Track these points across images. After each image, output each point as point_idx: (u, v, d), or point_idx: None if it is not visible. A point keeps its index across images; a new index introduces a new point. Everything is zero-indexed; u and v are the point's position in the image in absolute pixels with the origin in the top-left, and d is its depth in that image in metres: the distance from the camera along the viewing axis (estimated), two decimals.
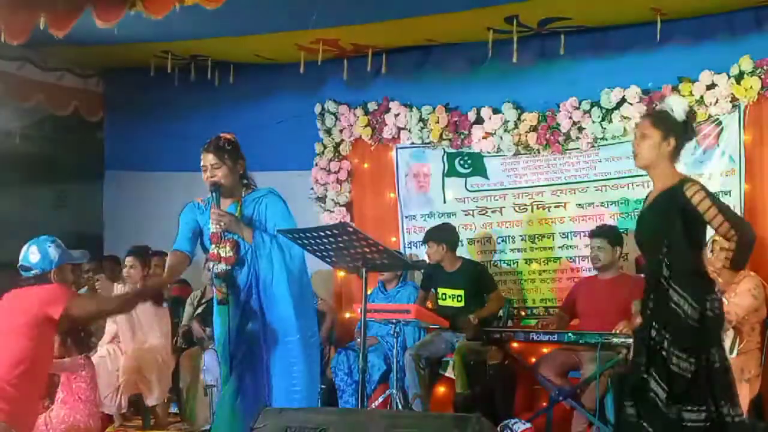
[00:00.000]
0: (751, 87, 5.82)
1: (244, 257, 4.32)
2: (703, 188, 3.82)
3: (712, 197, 3.82)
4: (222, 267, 4.31)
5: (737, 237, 3.76)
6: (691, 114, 3.99)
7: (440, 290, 6.30)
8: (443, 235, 6.36)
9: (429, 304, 6.29)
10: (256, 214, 4.39)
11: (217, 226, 4.28)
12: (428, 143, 7.06)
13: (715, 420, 3.66)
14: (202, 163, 4.38)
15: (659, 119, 3.92)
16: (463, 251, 6.63)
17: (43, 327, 3.91)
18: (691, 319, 3.69)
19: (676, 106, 3.91)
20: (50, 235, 4.28)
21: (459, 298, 6.20)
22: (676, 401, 3.66)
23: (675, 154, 3.91)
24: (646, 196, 4.08)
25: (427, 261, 6.44)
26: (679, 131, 3.89)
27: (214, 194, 4.33)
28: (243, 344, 4.36)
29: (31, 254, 4.16)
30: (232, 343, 4.32)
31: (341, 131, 7.38)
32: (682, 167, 6.03)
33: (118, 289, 6.45)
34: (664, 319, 3.73)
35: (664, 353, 3.69)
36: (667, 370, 3.68)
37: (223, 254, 4.30)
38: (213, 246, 4.33)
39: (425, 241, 6.41)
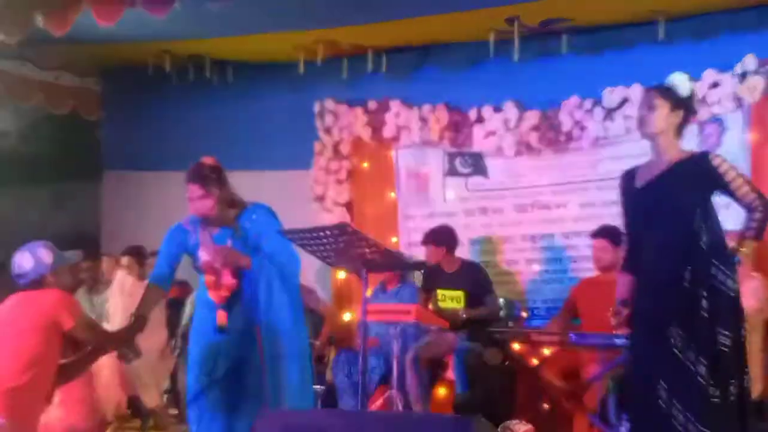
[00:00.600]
0: (755, 86, 5.78)
1: (242, 282, 4.18)
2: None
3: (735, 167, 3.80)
4: (219, 294, 4.17)
5: (762, 205, 3.71)
6: (693, 92, 3.99)
7: (439, 292, 6.25)
8: (443, 237, 6.33)
9: (430, 305, 6.25)
10: (249, 235, 4.21)
11: (215, 262, 4.12)
12: (428, 143, 7.02)
13: (738, 394, 3.64)
14: (187, 194, 4.17)
15: (667, 91, 3.88)
16: (464, 251, 6.60)
17: (53, 330, 3.91)
18: (732, 291, 3.65)
19: (680, 82, 3.90)
20: (41, 240, 4.22)
21: (458, 300, 6.17)
22: (718, 379, 3.59)
23: (680, 129, 3.86)
24: (631, 172, 3.98)
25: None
26: (686, 105, 3.87)
27: (204, 227, 4.19)
28: (232, 364, 4.21)
29: (24, 261, 4.11)
30: (218, 364, 4.19)
31: (341, 130, 7.34)
32: None
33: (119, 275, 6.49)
34: (707, 291, 3.64)
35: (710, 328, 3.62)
36: (712, 346, 3.60)
37: (224, 282, 4.15)
38: (207, 275, 4.18)
39: (424, 243, 6.37)
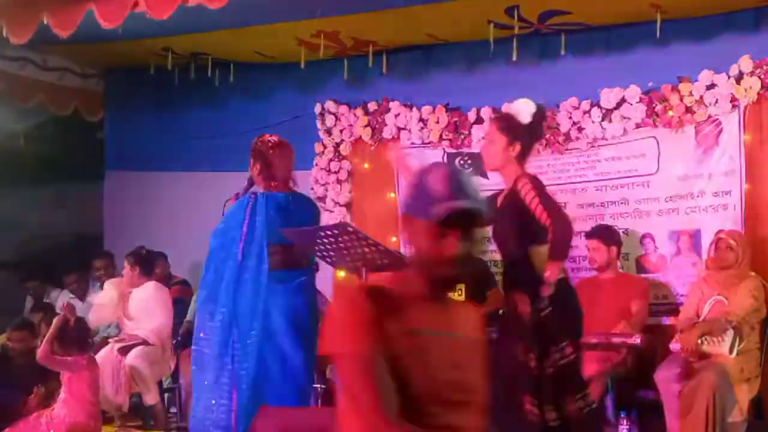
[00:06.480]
0: (750, 87, 5.80)
1: None
2: (532, 181, 3.96)
3: (539, 190, 3.94)
4: None
5: (552, 230, 3.89)
6: (538, 115, 4.08)
7: None
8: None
9: None
10: None
11: None
12: (428, 143, 7.06)
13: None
14: None
15: (504, 125, 4.05)
16: None
17: None
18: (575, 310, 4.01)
19: (522, 109, 4.02)
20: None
21: (459, 292, 6.22)
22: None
23: (522, 156, 4.06)
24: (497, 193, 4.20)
25: None
26: (525, 136, 4.05)
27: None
28: None
29: None
30: None
31: (341, 131, 7.37)
32: (682, 167, 6.12)
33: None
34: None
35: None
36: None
37: None
38: None
39: None
